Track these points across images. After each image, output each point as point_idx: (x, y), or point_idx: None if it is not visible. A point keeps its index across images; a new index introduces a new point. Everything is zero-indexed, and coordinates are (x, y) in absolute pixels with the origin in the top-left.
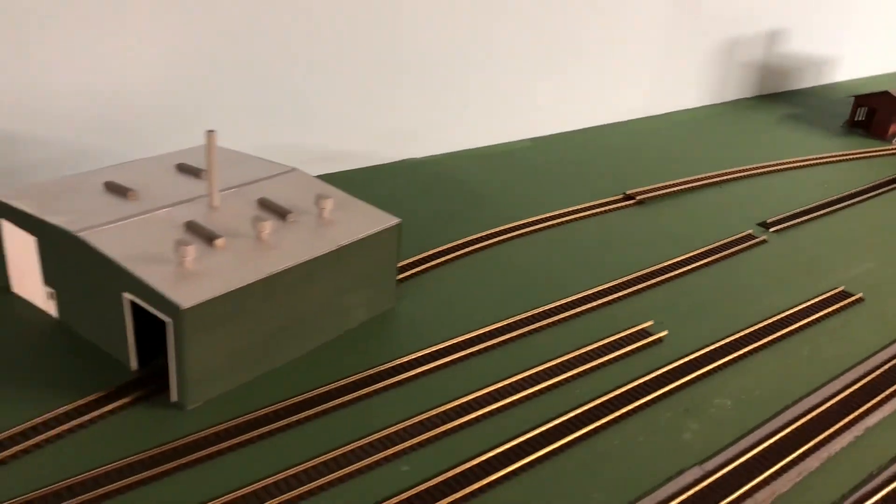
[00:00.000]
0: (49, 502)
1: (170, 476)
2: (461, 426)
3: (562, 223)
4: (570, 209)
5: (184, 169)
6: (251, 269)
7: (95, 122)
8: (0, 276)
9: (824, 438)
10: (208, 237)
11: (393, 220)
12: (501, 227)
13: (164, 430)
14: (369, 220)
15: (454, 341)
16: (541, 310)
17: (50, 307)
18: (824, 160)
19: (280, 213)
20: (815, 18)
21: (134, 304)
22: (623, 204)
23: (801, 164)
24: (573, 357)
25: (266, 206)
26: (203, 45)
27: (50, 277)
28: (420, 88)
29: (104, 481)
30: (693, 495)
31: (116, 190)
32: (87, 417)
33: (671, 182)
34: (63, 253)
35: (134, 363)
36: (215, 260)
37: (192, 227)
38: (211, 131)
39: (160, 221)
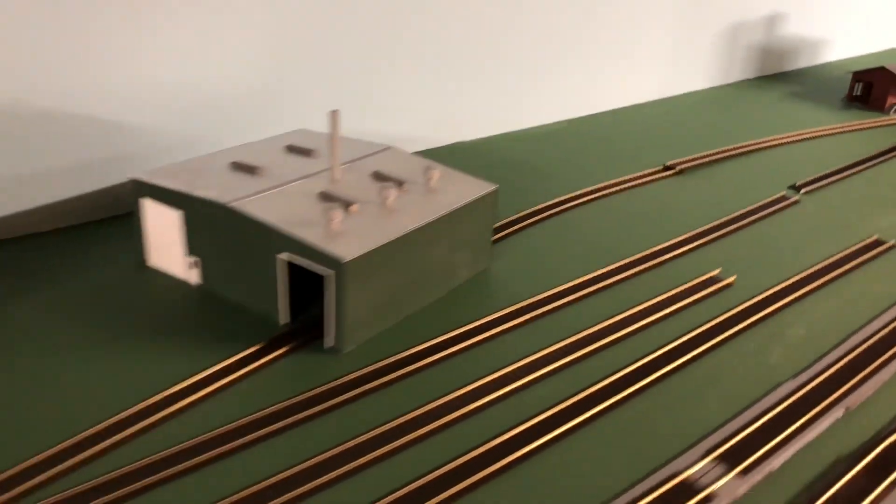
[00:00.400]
0: (241, 432)
1: (342, 408)
2: (578, 359)
3: (616, 192)
4: (620, 179)
5: (293, 149)
6: (386, 230)
7: (197, 111)
8: (136, 252)
9: (892, 355)
10: (343, 203)
11: (491, 186)
12: (562, 198)
13: (328, 371)
14: (471, 187)
15: (548, 293)
16: (614, 266)
17: (191, 275)
18: (833, 131)
19: (396, 182)
20: (809, 1)
21: (287, 265)
22: (665, 174)
23: (813, 135)
24: (656, 303)
25: (381, 177)
26: (281, 44)
27: (195, 247)
28: (465, 77)
29: (284, 415)
30: (793, 402)
31: (244, 168)
32: (254, 365)
33: (703, 154)
34: (212, 224)
35: (286, 317)
36: (352, 223)
37: (326, 196)
38: (334, 111)
39: (295, 192)
